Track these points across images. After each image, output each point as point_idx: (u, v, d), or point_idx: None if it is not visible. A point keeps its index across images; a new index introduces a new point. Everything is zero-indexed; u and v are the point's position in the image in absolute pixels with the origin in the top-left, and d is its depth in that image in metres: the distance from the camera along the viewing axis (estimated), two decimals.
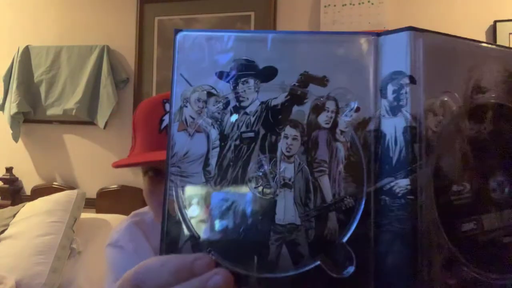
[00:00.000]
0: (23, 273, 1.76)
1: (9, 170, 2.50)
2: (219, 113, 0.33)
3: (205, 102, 0.33)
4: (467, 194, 0.33)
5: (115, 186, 2.36)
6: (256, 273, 0.32)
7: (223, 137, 0.33)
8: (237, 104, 0.33)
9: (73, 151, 2.49)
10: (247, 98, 0.33)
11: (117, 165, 0.75)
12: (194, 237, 0.32)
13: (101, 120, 2.34)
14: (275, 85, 0.33)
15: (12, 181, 2.49)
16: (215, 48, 0.34)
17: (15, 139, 2.45)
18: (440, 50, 0.33)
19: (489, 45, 0.36)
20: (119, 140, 2.40)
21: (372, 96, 0.33)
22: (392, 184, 0.32)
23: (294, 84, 0.33)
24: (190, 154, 0.33)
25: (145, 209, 0.88)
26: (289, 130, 0.33)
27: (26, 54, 2.47)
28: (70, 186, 2.41)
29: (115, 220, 2.07)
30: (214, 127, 0.33)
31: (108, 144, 2.42)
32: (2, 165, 2.51)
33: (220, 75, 0.33)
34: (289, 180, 0.33)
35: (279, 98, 0.33)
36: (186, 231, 0.32)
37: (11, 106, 2.40)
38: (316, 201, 0.32)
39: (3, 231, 1.95)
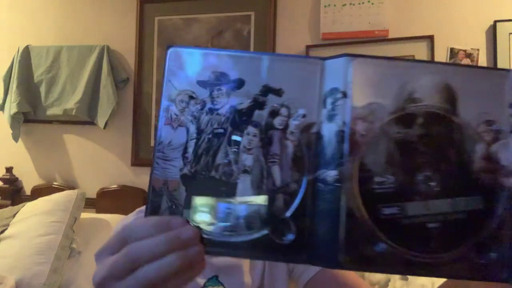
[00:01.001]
0: (23, 273, 1.75)
1: (9, 170, 2.48)
2: (197, 112, 0.43)
3: (187, 103, 0.43)
4: (390, 184, 0.42)
5: (115, 186, 2.34)
6: (217, 237, 0.41)
7: (199, 131, 0.43)
8: (212, 106, 0.43)
9: (73, 151, 2.45)
10: (220, 102, 0.43)
11: None
12: (171, 207, 0.42)
13: (101, 120, 2.32)
14: (242, 93, 0.43)
15: (12, 181, 2.47)
16: (198, 61, 0.44)
17: (15, 139, 2.42)
18: (370, 71, 0.43)
19: (427, 63, 0.44)
20: (119, 140, 2.37)
21: (317, 106, 0.43)
22: (325, 174, 0.41)
23: (257, 94, 0.43)
24: (173, 143, 0.43)
25: None
26: (251, 129, 0.43)
27: (26, 54, 2.45)
28: (70, 186, 2.40)
29: (115, 220, 2.06)
30: (192, 123, 0.43)
31: (108, 144, 2.40)
32: (2, 165, 2.49)
33: (200, 82, 0.43)
34: (249, 167, 0.42)
35: (245, 103, 0.43)
36: (166, 202, 0.42)
37: (11, 106, 2.37)
38: (268, 184, 0.42)
39: (3, 231, 1.92)
